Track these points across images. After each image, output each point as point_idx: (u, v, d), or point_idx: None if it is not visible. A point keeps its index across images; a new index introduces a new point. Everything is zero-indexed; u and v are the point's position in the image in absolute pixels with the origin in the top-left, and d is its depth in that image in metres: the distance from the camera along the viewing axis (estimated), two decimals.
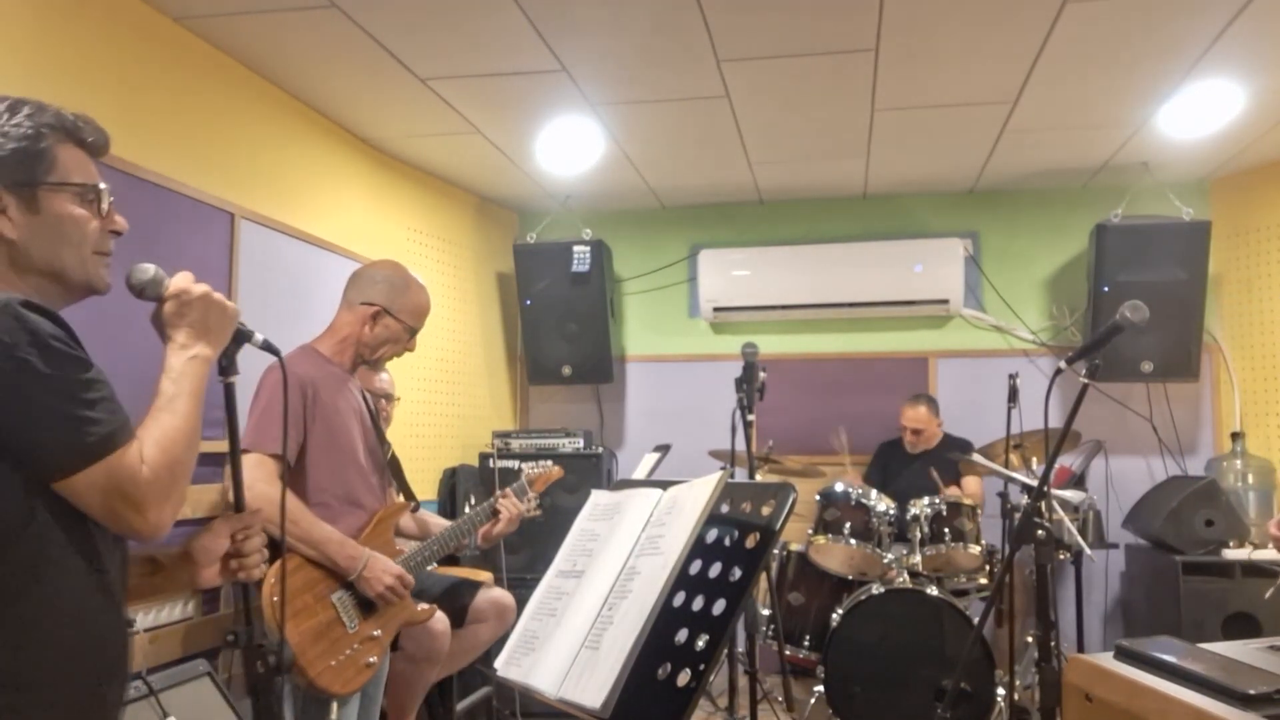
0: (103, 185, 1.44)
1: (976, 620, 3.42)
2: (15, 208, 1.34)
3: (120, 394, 1.33)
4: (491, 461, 4.63)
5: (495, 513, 3.04)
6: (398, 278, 2.79)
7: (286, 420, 1.91)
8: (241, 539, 1.55)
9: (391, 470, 2.90)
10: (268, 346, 1.65)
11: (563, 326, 5.26)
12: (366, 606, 2.58)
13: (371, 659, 2.54)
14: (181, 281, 1.48)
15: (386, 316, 2.73)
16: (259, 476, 2.43)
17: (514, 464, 4.62)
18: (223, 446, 1.68)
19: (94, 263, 1.43)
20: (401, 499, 2.94)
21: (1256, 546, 4.22)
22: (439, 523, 3.16)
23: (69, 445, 1.24)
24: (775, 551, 4.29)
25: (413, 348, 2.84)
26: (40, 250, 1.36)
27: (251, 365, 3.00)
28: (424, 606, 2.77)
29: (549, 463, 3.37)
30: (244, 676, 1.56)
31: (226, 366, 1.57)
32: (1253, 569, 4.17)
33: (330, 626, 2.49)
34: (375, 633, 2.57)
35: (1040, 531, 2.43)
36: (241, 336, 1.57)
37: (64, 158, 1.39)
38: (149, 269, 1.45)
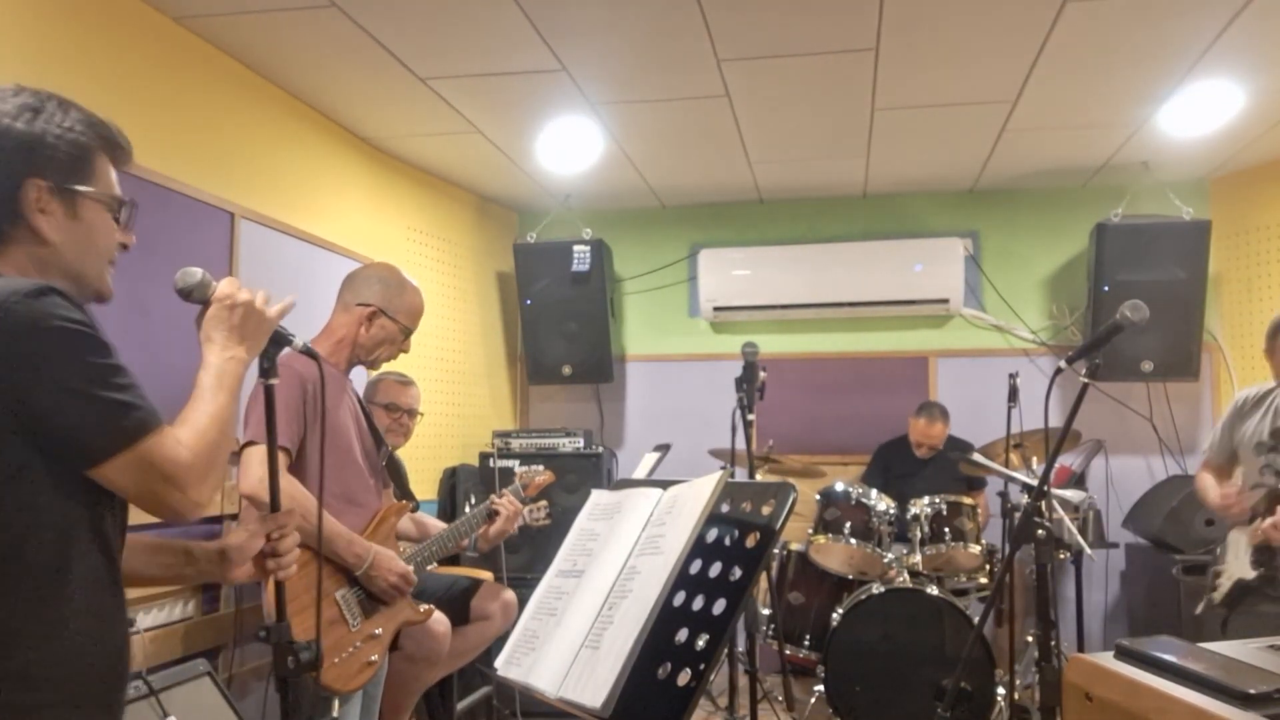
0: (126, 201, 1.49)
1: (976, 620, 3.42)
2: (57, 210, 1.38)
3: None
4: (492, 461, 4.63)
5: (493, 513, 3.05)
6: (393, 279, 2.79)
7: (323, 418, 1.95)
8: (277, 538, 1.60)
9: (390, 471, 2.91)
10: (307, 350, 1.70)
11: (563, 326, 5.26)
12: (368, 605, 2.59)
13: (373, 657, 2.54)
14: (227, 287, 1.52)
15: (382, 317, 2.74)
16: (267, 471, 2.43)
17: (514, 464, 4.63)
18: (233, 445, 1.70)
19: (106, 272, 1.46)
20: (399, 501, 2.94)
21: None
22: (436, 525, 3.16)
23: (108, 428, 1.26)
24: (775, 551, 4.29)
25: (407, 349, 2.84)
26: (70, 254, 1.39)
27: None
28: (424, 607, 2.78)
29: (540, 466, 3.43)
30: (274, 672, 1.60)
31: (268, 369, 1.62)
32: None
33: (334, 624, 2.50)
34: (377, 631, 2.58)
35: (1040, 531, 2.43)
36: (281, 340, 1.61)
37: (100, 167, 1.43)
38: (196, 273, 1.50)
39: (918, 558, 4.11)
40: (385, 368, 3.63)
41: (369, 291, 2.75)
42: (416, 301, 2.82)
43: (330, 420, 2.61)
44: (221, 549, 1.57)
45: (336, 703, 2.47)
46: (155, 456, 1.29)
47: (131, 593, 1.49)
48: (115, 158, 1.47)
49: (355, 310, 2.74)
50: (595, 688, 1.35)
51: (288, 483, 2.43)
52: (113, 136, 1.46)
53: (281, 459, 2.46)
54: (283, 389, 2.46)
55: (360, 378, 3.70)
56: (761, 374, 3.45)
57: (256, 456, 2.45)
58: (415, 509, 3.00)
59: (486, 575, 3.74)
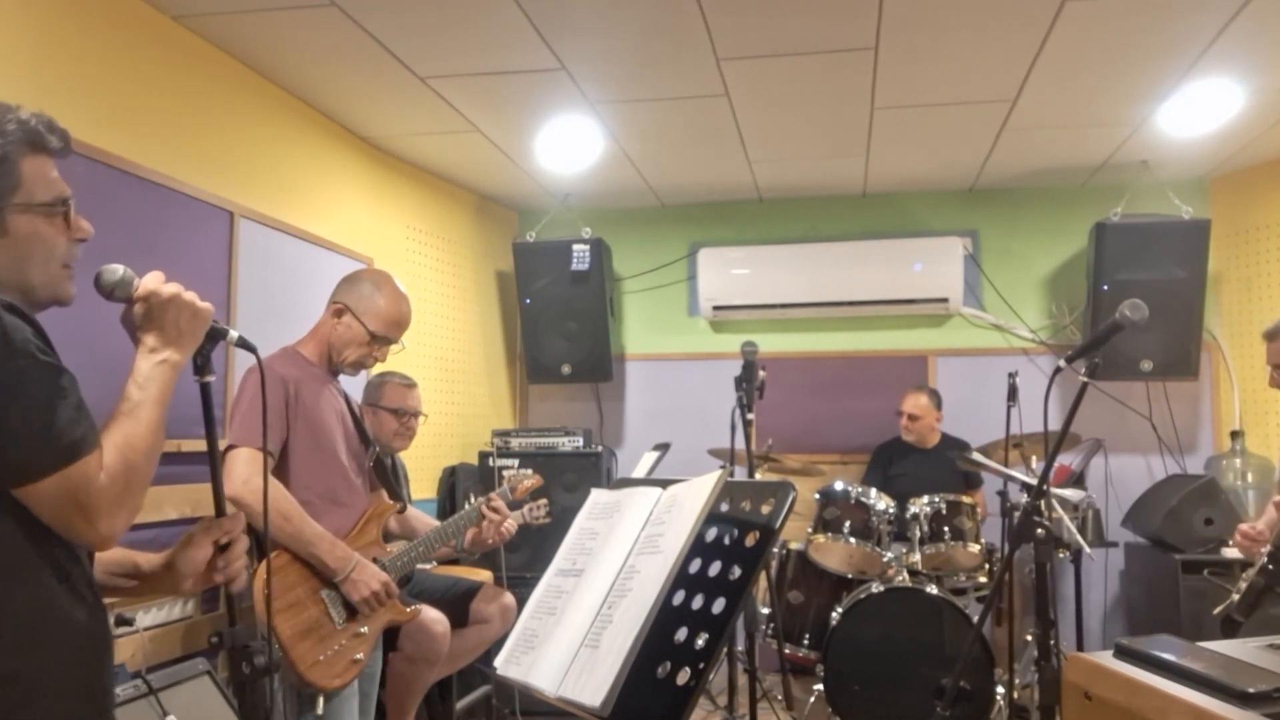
0: (68, 195, 1.40)
1: (976, 619, 3.43)
2: None
3: (88, 396, 1.32)
4: (491, 460, 4.63)
5: (483, 514, 3.05)
6: (370, 281, 2.76)
7: (265, 409, 1.91)
8: (224, 544, 1.53)
9: (378, 472, 2.90)
10: (244, 344, 1.59)
11: (562, 325, 5.26)
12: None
13: (358, 655, 2.54)
14: (151, 282, 1.43)
15: (349, 315, 2.70)
16: (253, 471, 2.43)
17: (513, 463, 4.63)
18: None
19: (60, 276, 1.40)
20: (389, 501, 2.94)
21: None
22: (426, 523, 3.16)
23: (35, 452, 1.23)
24: (775, 550, 4.29)
25: (382, 357, 2.78)
26: (8, 270, 1.33)
27: (235, 365, 2.99)
28: (412, 607, 2.78)
29: (529, 470, 3.45)
30: (230, 677, 1.55)
31: (202, 365, 1.52)
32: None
33: (319, 622, 2.50)
34: (362, 629, 2.57)
35: (1040, 530, 2.43)
36: (216, 335, 1.52)
37: (29, 172, 1.35)
38: (118, 269, 1.42)
39: (917, 557, 4.11)
40: (387, 369, 3.64)
41: (347, 292, 2.75)
42: (389, 308, 2.74)
43: (311, 419, 2.61)
44: (169, 562, 1.51)
45: (321, 700, 2.47)
46: (73, 486, 1.24)
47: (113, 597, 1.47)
48: (50, 151, 1.39)
49: (330, 308, 2.74)
50: (594, 687, 1.34)
51: (271, 485, 2.42)
52: (38, 135, 1.36)
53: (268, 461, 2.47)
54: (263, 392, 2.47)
55: (360, 378, 3.70)
56: (761, 373, 3.46)
57: (241, 458, 2.45)
58: (403, 510, 2.99)
59: (486, 575, 3.75)
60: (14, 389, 1.22)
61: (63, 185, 1.41)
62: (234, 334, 1.56)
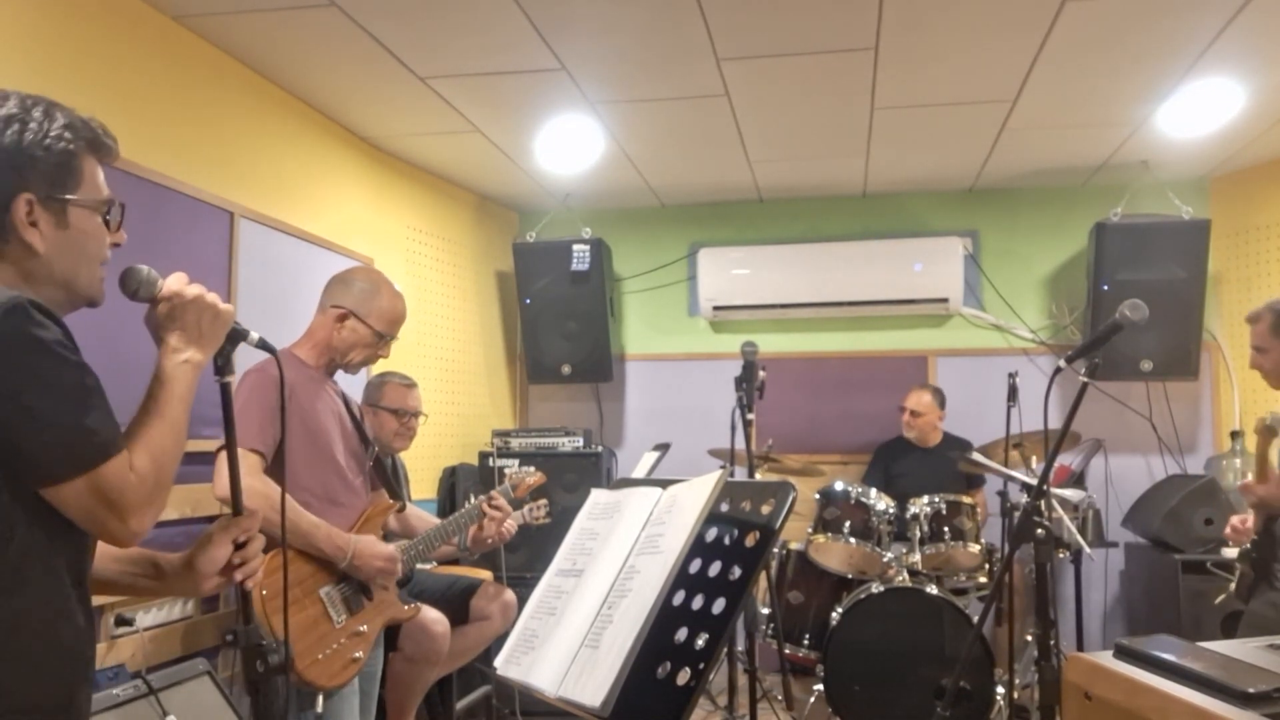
0: (115, 200, 1.45)
1: (976, 619, 3.43)
2: (46, 221, 1.35)
3: (110, 396, 1.33)
4: (491, 460, 4.63)
5: (484, 513, 3.05)
6: (368, 282, 2.76)
7: (284, 413, 1.90)
8: (243, 542, 1.54)
9: (377, 472, 2.90)
10: (263, 345, 1.62)
11: (562, 325, 5.26)
12: (353, 602, 2.59)
13: (358, 654, 2.54)
14: (175, 283, 1.46)
15: (353, 319, 2.70)
16: (244, 470, 2.43)
17: (513, 463, 4.63)
18: (213, 445, 1.64)
19: (100, 277, 1.44)
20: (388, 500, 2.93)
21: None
22: (426, 522, 3.15)
23: (65, 453, 1.24)
24: (775, 550, 4.29)
25: (386, 354, 2.79)
26: (61, 264, 1.37)
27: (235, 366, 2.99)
28: (410, 605, 2.77)
29: (531, 468, 3.44)
30: (243, 676, 1.55)
31: (222, 366, 1.55)
32: None
33: (317, 621, 2.49)
34: (361, 628, 2.57)
35: (1040, 530, 2.43)
36: (237, 336, 1.55)
37: (88, 171, 1.40)
38: (142, 270, 1.44)
39: (917, 557, 4.11)
40: (387, 369, 3.64)
41: (344, 294, 2.74)
42: (388, 306, 2.75)
43: (306, 421, 2.60)
44: (189, 561, 1.52)
45: (320, 699, 2.47)
46: (105, 484, 1.26)
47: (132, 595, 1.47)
48: (102, 156, 1.43)
49: (330, 313, 2.73)
50: (594, 687, 1.35)
51: (262, 483, 2.42)
52: (98, 137, 1.42)
53: (257, 461, 2.47)
54: (259, 391, 2.47)
55: (361, 378, 3.71)
56: (761, 373, 3.46)
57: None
58: (402, 509, 2.99)
59: (486, 575, 3.75)
60: (44, 389, 1.24)
61: (108, 190, 1.44)
62: (255, 335, 1.59)
